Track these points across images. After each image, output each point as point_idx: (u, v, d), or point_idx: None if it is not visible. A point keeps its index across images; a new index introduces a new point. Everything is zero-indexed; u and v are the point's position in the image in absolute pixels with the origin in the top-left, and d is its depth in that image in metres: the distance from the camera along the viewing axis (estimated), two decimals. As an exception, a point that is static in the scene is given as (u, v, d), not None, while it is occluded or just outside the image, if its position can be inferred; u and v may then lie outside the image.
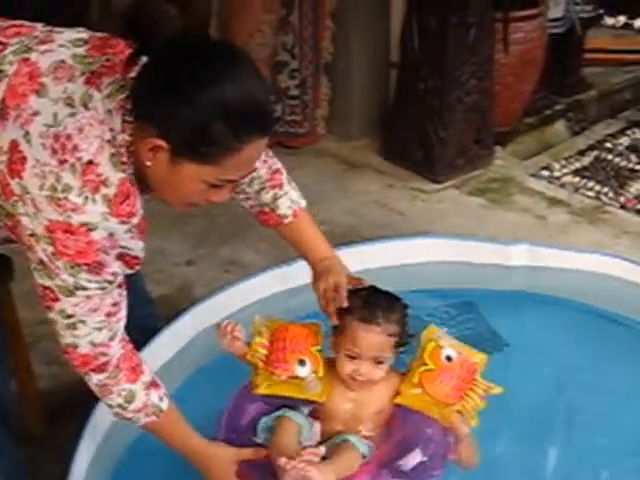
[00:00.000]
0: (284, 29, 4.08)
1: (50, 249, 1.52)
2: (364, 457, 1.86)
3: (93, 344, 1.65)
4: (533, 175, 4.05)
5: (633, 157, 4.36)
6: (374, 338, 1.86)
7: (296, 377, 1.90)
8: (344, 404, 1.94)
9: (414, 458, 1.84)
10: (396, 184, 3.90)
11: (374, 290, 1.96)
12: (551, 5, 4.43)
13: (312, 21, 4.10)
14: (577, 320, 2.63)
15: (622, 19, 5.89)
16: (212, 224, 3.49)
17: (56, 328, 1.65)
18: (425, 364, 1.92)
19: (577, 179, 4.09)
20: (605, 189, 3.99)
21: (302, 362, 1.91)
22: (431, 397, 1.88)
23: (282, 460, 1.70)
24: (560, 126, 4.83)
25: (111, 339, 1.67)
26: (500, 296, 2.34)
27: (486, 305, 2.15)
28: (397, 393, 1.94)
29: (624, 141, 4.57)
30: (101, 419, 2.09)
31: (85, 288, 1.57)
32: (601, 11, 4.92)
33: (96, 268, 1.55)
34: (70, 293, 1.57)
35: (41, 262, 1.55)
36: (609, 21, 5.84)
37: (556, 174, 4.12)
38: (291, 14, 4.08)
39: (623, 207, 3.80)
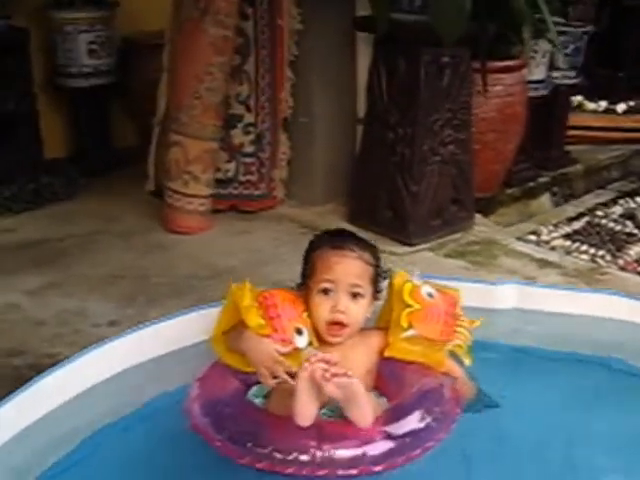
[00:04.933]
0: (238, 78, 3.65)
1: None
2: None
3: None
4: (519, 239, 3.59)
5: (629, 223, 3.94)
6: (350, 263, 1.82)
7: (295, 349, 1.77)
8: None
9: (420, 419, 1.70)
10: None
11: (343, 230, 2.05)
12: (532, 67, 4.11)
13: (269, 70, 3.69)
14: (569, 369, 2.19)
15: (603, 104, 5.69)
16: (143, 285, 3.01)
17: None
18: (409, 305, 1.84)
19: (568, 243, 3.66)
20: (601, 252, 3.57)
21: (299, 331, 1.80)
22: (425, 338, 1.81)
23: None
24: (545, 199, 4.44)
25: None
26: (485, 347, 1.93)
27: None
28: (384, 348, 1.86)
29: (617, 210, 4.19)
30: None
31: None
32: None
33: None
34: None
35: None
36: (590, 106, 5.64)
37: (544, 238, 3.69)
38: (246, 62, 3.65)
39: (623, 269, 3.33)
